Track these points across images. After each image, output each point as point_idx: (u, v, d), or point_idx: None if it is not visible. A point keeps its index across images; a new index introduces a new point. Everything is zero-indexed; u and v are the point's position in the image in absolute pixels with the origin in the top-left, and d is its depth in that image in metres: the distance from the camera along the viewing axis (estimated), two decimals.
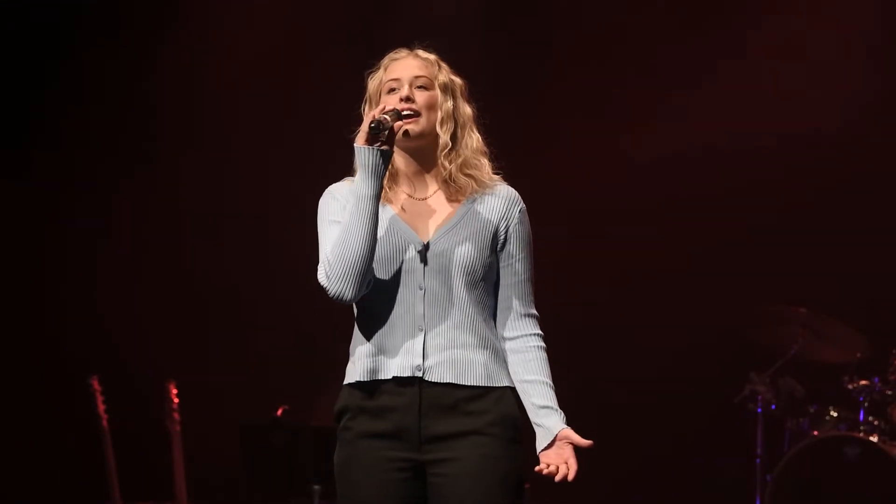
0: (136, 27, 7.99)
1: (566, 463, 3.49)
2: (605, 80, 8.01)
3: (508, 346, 3.58)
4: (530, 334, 3.58)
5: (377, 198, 3.45)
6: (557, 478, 3.47)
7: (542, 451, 3.52)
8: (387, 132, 3.44)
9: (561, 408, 3.56)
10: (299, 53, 8.06)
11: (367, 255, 3.42)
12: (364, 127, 3.45)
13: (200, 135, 8.05)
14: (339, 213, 3.53)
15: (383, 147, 3.44)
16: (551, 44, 8.12)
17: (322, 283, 3.47)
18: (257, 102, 8.03)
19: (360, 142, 3.45)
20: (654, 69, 8.01)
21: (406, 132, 3.51)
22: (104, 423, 7.11)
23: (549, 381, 3.56)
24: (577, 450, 3.53)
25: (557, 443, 3.51)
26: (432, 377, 3.46)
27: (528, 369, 3.55)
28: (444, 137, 3.56)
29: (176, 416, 7.22)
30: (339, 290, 3.43)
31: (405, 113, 3.50)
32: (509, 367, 3.57)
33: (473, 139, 3.62)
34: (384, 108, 3.47)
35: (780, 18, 7.89)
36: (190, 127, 8.04)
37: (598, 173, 7.92)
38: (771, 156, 7.87)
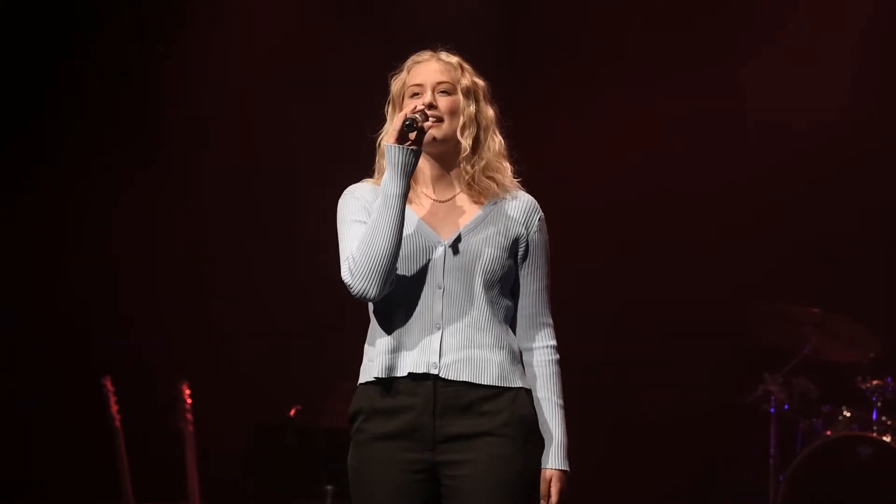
0: (149, 23, 7.99)
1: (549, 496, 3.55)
2: (610, 72, 8.00)
3: (524, 358, 3.61)
4: (545, 346, 3.61)
5: (405, 197, 3.48)
6: None
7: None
8: (416, 132, 3.47)
9: (571, 412, 3.59)
10: (315, 49, 8.06)
11: (393, 253, 3.45)
12: (396, 125, 3.47)
13: (216, 133, 8.05)
14: (361, 213, 3.55)
15: (413, 146, 3.47)
16: (552, 42, 8.12)
17: (346, 281, 3.49)
18: (273, 100, 8.02)
19: (390, 140, 3.48)
20: (658, 60, 7.99)
21: (432, 137, 3.54)
22: (117, 423, 7.11)
23: (560, 400, 3.60)
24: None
25: (543, 480, 3.55)
26: (448, 375, 3.47)
27: (541, 385, 3.58)
28: (466, 143, 3.59)
29: (189, 416, 7.22)
30: (363, 287, 3.46)
31: (430, 120, 3.53)
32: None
33: (496, 142, 3.64)
34: (414, 108, 3.49)
35: (778, 15, 7.91)
36: (206, 124, 8.03)
37: (603, 170, 7.91)
38: (783, 153, 7.86)
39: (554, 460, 3.55)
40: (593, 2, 8.09)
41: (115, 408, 7.13)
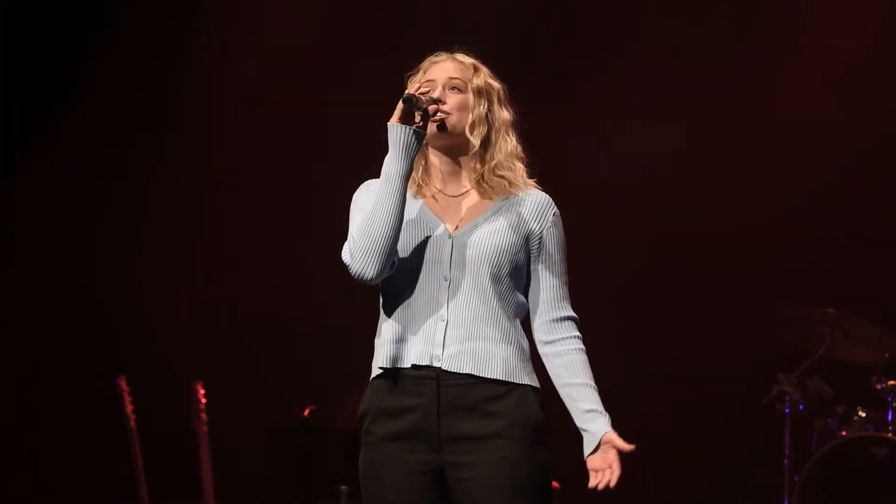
0: (167, 22, 8.00)
1: (610, 467, 3.51)
2: (628, 73, 7.98)
3: (548, 349, 3.58)
4: (570, 337, 3.59)
5: (406, 178, 3.47)
6: (600, 486, 3.50)
7: (589, 455, 3.54)
8: (421, 112, 3.47)
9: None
10: (334, 44, 8.06)
11: (392, 233, 3.44)
12: (399, 104, 3.47)
13: (231, 136, 8.05)
14: (370, 202, 3.54)
15: (416, 127, 3.46)
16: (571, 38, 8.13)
17: (345, 261, 3.50)
18: (292, 98, 8.01)
19: (393, 120, 3.47)
20: (675, 61, 7.97)
21: (442, 125, 3.53)
22: (132, 423, 7.12)
23: (593, 384, 3.56)
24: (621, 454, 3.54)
25: (602, 447, 3.52)
26: (450, 367, 3.46)
27: (570, 372, 3.55)
28: (474, 140, 3.57)
29: (203, 416, 7.23)
30: (361, 267, 3.45)
31: (437, 115, 3.53)
32: (551, 371, 3.58)
33: (508, 143, 3.63)
34: (418, 88, 3.50)
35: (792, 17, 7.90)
36: (223, 127, 8.04)
37: (621, 170, 7.90)
38: (799, 153, 7.84)
39: (605, 425, 3.52)
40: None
41: (129, 408, 7.15)
